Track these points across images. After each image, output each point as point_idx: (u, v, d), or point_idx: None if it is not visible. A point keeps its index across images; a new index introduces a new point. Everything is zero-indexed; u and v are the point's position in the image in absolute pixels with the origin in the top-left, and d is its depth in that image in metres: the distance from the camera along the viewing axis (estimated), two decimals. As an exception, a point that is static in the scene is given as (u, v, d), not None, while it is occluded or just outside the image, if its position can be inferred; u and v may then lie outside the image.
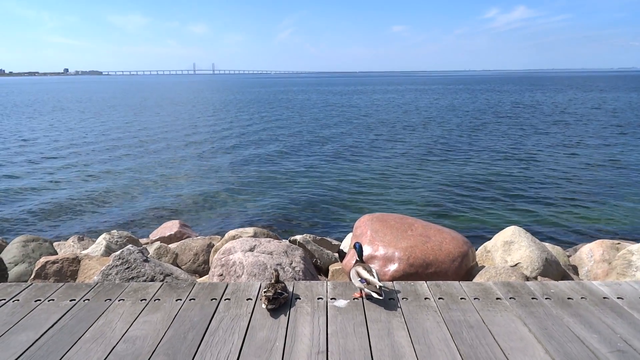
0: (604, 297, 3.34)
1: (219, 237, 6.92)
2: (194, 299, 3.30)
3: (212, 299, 3.30)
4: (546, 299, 3.32)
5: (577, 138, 19.74)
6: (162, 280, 4.10)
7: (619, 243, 5.54)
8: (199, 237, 6.61)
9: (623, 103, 39.53)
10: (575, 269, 5.52)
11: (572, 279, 5.07)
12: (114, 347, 2.70)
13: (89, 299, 3.32)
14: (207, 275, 4.84)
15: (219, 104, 45.00)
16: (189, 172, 14.13)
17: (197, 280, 4.67)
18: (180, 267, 5.45)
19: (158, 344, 2.73)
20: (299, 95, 60.56)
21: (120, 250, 4.35)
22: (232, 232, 6.04)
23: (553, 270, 4.94)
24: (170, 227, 7.61)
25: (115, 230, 6.42)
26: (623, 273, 4.60)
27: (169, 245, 6.01)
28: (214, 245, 5.84)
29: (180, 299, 3.30)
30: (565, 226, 9.00)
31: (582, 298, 3.34)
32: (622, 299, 3.32)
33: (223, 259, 4.29)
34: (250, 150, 18.00)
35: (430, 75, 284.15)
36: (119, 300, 3.30)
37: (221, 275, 4.17)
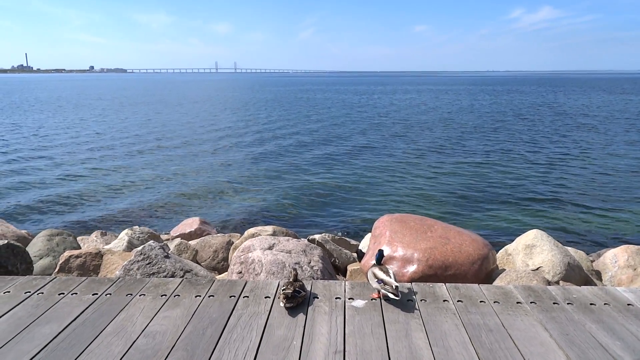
0: (629, 304, 3.27)
1: (239, 234, 6.97)
2: (213, 296, 3.33)
3: (230, 296, 3.33)
4: (568, 304, 3.27)
5: (600, 141, 19.31)
6: (182, 277, 4.15)
7: (644, 249, 5.40)
8: (218, 235, 6.67)
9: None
10: (598, 275, 5.41)
11: (595, 285, 4.97)
12: (135, 341, 2.75)
13: (110, 293, 3.39)
14: (226, 273, 4.89)
15: (239, 102, 45.30)
16: (209, 169, 14.27)
17: (216, 277, 4.72)
18: (199, 264, 5.51)
19: (177, 339, 2.77)
20: (319, 95, 60.55)
21: (142, 246, 4.42)
22: (251, 230, 6.09)
23: (575, 275, 4.84)
24: (190, 224, 7.70)
25: (137, 226, 6.53)
26: (649, 279, 4.50)
27: (189, 242, 6.08)
28: (233, 242, 5.89)
29: (200, 295, 3.34)
30: (589, 231, 8.82)
31: (605, 304, 3.27)
32: (648, 306, 3.24)
33: (242, 257, 4.33)
34: (270, 148, 18.08)
35: (453, 76, 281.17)
36: (140, 295, 3.35)
37: (240, 272, 4.20)
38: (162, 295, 3.35)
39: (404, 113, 32.95)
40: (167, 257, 4.32)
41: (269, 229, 6.10)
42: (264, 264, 4.15)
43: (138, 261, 4.20)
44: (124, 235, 6.14)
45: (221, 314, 3.08)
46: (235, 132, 22.76)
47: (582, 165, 14.63)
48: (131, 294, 3.37)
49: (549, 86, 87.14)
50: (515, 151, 17.13)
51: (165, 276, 4.12)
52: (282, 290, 3.16)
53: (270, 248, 4.41)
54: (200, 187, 12.04)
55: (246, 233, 6.11)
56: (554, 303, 3.28)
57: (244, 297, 3.32)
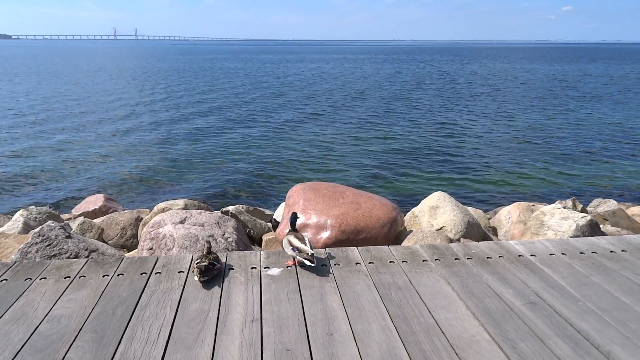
0: (519, 255, 3.61)
1: (148, 210, 6.70)
2: (122, 274, 3.20)
3: (142, 273, 3.21)
4: (468, 259, 3.54)
5: (496, 108, 20.80)
6: (88, 257, 3.92)
7: (533, 205, 5.96)
8: (126, 211, 6.36)
9: (541, 74, 41.99)
10: (494, 230, 5.90)
11: (492, 240, 5.42)
12: (37, 327, 2.57)
13: (6, 279, 3.13)
14: (135, 250, 4.70)
15: (142, 72, 42.59)
16: (114, 146, 13.42)
17: (125, 255, 4.52)
18: (106, 243, 5.24)
19: (85, 321, 2.63)
20: (228, 64, 58.86)
21: (40, 226, 4.10)
22: (161, 205, 5.87)
23: (474, 232, 5.25)
24: (94, 201, 7.26)
25: (33, 207, 6.03)
26: (536, 232, 4.98)
27: (94, 220, 5.74)
28: (142, 218, 5.65)
29: (108, 275, 3.19)
30: (486, 191, 9.56)
31: (499, 257, 3.58)
32: (535, 256, 3.60)
33: (152, 232, 4.17)
34: (179, 122, 17.32)
35: (362, 45, 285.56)
36: (40, 279, 3.13)
37: (151, 249, 4.06)
38: (65, 278, 3.15)
39: (317, 84, 33.10)
40: (69, 237, 4.05)
41: (180, 202, 5.92)
42: (176, 239, 4.04)
43: (36, 243, 3.90)
44: (19, 217, 5.66)
45: (132, 292, 2.97)
46: (139, 106, 21.41)
47: (480, 131, 15.71)
48: (30, 278, 3.14)
49: (450, 55, 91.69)
50: (420, 119, 17.95)
51: (68, 257, 3.88)
52: (196, 263, 3.11)
53: (182, 222, 4.29)
54: (104, 166, 11.34)
55: (156, 208, 5.88)
56: (455, 259, 3.54)
57: (155, 273, 3.22)
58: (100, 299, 2.87)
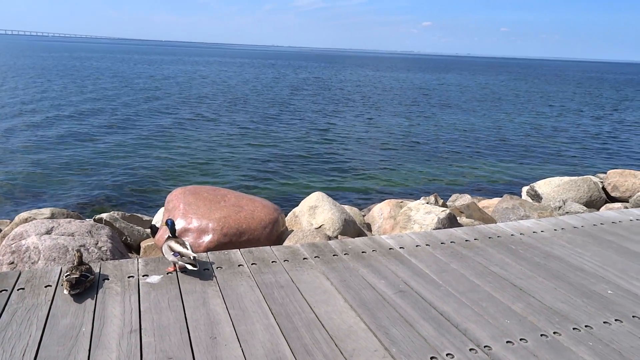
0: (390, 248, 3.93)
1: (8, 220, 6.03)
2: None
3: (1, 291, 2.92)
4: (345, 254, 3.77)
5: (366, 113, 22.11)
6: None
7: (402, 201, 6.48)
8: (-22, 223, 5.66)
9: (405, 82, 45.41)
10: (369, 226, 6.30)
11: (366, 235, 5.79)
12: None
13: None
14: (-8, 266, 4.21)
15: (2, 70, 37.69)
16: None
17: (-22, 272, 4.04)
18: (-47, 260, 4.63)
19: None
20: (97, 62, 54.58)
21: None
22: (23, 215, 5.32)
23: (351, 229, 5.57)
24: None
25: None
26: (405, 226, 5.44)
27: (-64, 235, 5.03)
28: (1, 230, 5.08)
29: None
30: (361, 189, 10.16)
31: (373, 251, 3.87)
32: (403, 248, 3.95)
33: (14, 245, 3.79)
34: (44, 126, 15.52)
35: (241, 49, 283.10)
36: None
37: (12, 263, 3.69)
38: None
39: (198, 87, 32.15)
40: None
41: (46, 211, 5.43)
42: (41, 251, 3.72)
43: None
44: None
45: None
46: None
47: (353, 134, 16.60)
48: None
49: (325, 62, 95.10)
50: (298, 124, 18.38)
51: None
52: (66, 276, 2.90)
53: (48, 232, 3.96)
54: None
55: (17, 218, 5.32)
56: (333, 255, 3.74)
57: (18, 289, 2.95)
58: None
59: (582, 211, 6.65)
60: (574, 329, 2.84)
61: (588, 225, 4.81)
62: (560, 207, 6.89)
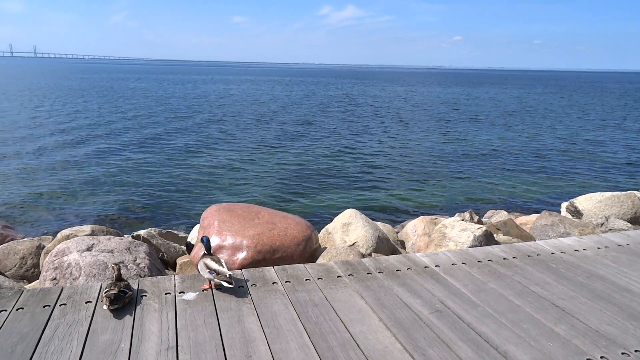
0: (425, 267, 3.86)
1: (51, 237, 6.24)
2: (22, 308, 2.97)
3: (44, 306, 3.00)
4: (379, 272, 3.72)
5: (396, 129, 21.99)
6: (-21, 292, 3.58)
7: (436, 218, 6.39)
8: (25, 239, 5.87)
9: (436, 97, 45.05)
10: (402, 244, 6.22)
11: (400, 253, 5.72)
12: None
13: None
14: (37, 281, 4.36)
15: (42, 92, 39.35)
16: (12, 170, 12.29)
17: (25, 287, 4.18)
18: (3, 274, 4.81)
19: (-21, 363, 2.42)
20: (135, 83, 56.45)
21: None
22: (65, 232, 5.50)
23: (384, 246, 5.51)
24: (-15, 229, 6.61)
25: None
26: (439, 244, 5.34)
27: (-15, 251, 5.25)
28: (44, 247, 5.26)
29: (5, 310, 2.95)
30: (394, 207, 10.06)
31: (408, 269, 3.81)
32: (439, 266, 3.87)
33: (56, 261, 3.91)
34: (83, 144, 16.24)
35: (271, 67, 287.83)
36: None
37: (54, 279, 3.80)
38: (-46, 316, 2.87)
39: (230, 105, 32.79)
40: (-44, 271, 3.69)
41: (87, 228, 5.59)
42: (82, 267, 3.82)
43: None
44: None
45: (34, 327, 2.77)
46: (40, 128, 19.62)
47: (384, 151, 16.51)
48: None
49: (356, 79, 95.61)
50: (327, 140, 18.46)
51: (-45, 294, 3.51)
52: (105, 292, 2.97)
53: (89, 249, 4.07)
54: (1, 192, 10.34)
55: (59, 235, 5.50)
56: (367, 273, 3.70)
57: (60, 305, 3.03)
58: None
59: (626, 228, 6.38)
60: (622, 353, 2.70)
61: (634, 243, 4.61)
62: (602, 224, 6.64)
